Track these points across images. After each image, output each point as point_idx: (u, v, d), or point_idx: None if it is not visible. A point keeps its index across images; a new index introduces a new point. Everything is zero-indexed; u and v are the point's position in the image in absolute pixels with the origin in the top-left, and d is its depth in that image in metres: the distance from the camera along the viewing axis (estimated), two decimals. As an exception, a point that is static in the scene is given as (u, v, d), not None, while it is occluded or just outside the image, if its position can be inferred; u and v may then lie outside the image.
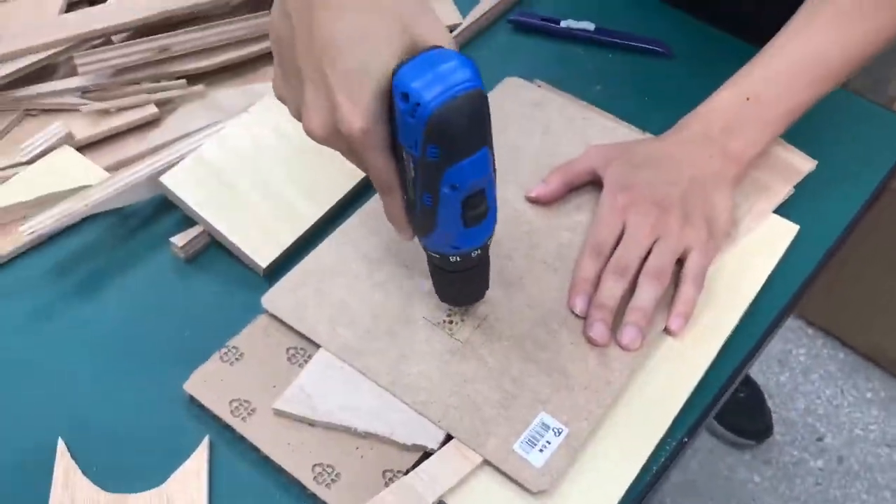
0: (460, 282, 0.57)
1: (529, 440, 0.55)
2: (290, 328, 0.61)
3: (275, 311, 0.62)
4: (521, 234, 0.66)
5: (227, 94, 0.77)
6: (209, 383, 0.59)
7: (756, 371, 1.49)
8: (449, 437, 0.56)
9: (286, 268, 0.66)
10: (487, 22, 0.85)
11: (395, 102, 0.46)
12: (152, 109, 0.74)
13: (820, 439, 1.44)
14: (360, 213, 0.68)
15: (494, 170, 0.50)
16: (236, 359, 0.60)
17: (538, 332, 0.60)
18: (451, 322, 0.61)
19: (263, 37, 0.79)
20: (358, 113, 0.47)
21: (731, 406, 1.32)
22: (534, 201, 0.67)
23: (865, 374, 1.50)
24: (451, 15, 0.83)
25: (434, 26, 0.48)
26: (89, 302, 0.65)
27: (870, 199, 0.72)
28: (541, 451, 0.55)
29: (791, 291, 0.66)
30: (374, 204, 0.68)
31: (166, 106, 0.75)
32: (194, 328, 0.63)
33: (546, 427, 0.56)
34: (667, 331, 0.61)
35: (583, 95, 0.78)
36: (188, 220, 0.67)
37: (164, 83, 0.75)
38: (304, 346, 0.61)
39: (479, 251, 0.54)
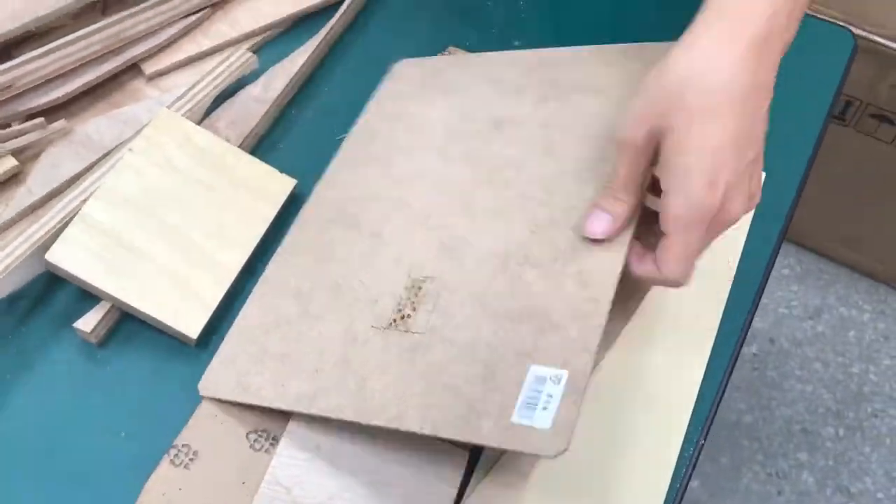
0: None
1: (527, 404, 0.47)
2: (244, 407, 0.53)
3: (217, 395, 0.53)
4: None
5: (95, 124, 0.65)
6: (167, 496, 0.50)
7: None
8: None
9: (219, 329, 0.57)
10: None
11: None
12: (11, 162, 0.61)
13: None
14: (280, 253, 0.59)
15: None
16: (190, 459, 0.51)
17: (499, 284, 0.52)
18: (402, 318, 0.53)
19: (124, 48, 0.66)
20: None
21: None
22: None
23: (780, 252, 1.52)
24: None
25: None
26: (-8, 419, 0.54)
27: (824, 125, 0.68)
28: (544, 408, 0.46)
29: (770, 246, 0.62)
30: (294, 237, 0.60)
31: (25, 154, 0.63)
32: (129, 426, 0.54)
33: (541, 380, 0.47)
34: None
35: (501, 56, 0.70)
36: (87, 293, 0.57)
37: (16, 127, 0.62)
38: (266, 426, 0.52)
39: None
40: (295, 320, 0.55)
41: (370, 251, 0.57)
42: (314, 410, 0.51)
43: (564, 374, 0.47)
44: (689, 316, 0.57)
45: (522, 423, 0.45)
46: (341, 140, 0.65)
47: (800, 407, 1.38)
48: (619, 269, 0.50)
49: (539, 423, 0.45)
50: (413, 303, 0.53)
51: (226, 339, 0.56)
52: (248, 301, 0.57)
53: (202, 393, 0.54)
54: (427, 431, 0.47)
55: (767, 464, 1.33)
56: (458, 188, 0.58)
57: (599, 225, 0.50)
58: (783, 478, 1.32)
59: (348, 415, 0.50)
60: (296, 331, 0.54)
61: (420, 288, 0.54)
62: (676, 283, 0.48)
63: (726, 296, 0.59)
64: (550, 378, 0.47)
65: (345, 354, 0.52)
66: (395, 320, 0.53)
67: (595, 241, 0.50)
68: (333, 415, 0.50)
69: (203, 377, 0.54)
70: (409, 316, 0.53)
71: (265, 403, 0.52)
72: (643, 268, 0.49)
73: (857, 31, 1.17)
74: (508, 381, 0.48)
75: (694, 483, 1.31)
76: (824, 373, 1.42)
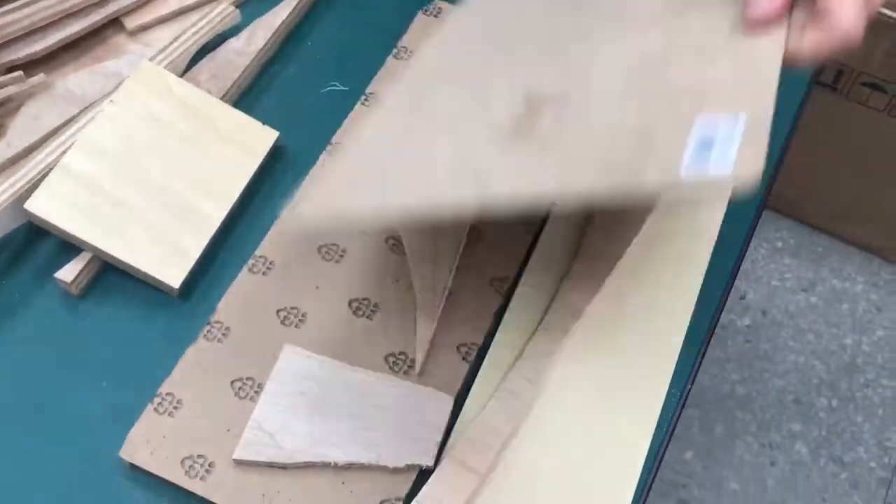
0: None
1: (702, 145, 0.38)
2: (230, 357, 0.52)
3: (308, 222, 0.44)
4: None
5: (75, 78, 0.64)
6: (151, 443, 0.49)
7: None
8: (441, 453, 0.49)
9: (199, 281, 0.56)
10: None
11: None
12: (-11, 116, 0.60)
13: (742, 297, 1.46)
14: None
15: None
16: (174, 407, 0.51)
17: (640, 84, 0.43)
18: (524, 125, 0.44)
19: (105, 2, 0.65)
20: None
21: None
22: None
23: (774, 226, 1.51)
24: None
25: None
26: (-28, 371, 0.53)
27: (808, 89, 0.67)
28: (722, 151, 0.38)
29: (753, 210, 0.62)
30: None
31: (4, 107, 0.62)
32: (112, 376, 0.53)
33: (713, 126, 0.39)
34: None
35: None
36: (68, 244, 0.56)
37: (-6, 80, 0.61)
38: (252, 374, 0.52)
39: None
40: (401, 134, 0.46)
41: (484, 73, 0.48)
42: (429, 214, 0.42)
43: (742, 115, 0.39)
44: (667, 282, 0.56)
45: (697, 169, 0.38)
46: (325, 93, 0.64)
47: (793, 378, 1.38)
48: (781, 50, 0.43)
49: (717, 166, 0.38)
50: (535, 112, 0.44)
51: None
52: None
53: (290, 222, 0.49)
54: (586, 195, 0.40)
55: (761, 435, 1.33)
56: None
57: (762, 4, 0.43)
58: (776, 448, 1.32)
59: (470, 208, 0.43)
60: (399, 143, 0.46)
61: (541, 105, 0.44)
62: (854, 38, 0.43)
63: (707, 262, 0.58)
64: (723, 123, 0.39)
65: (461, 163, 0.43)
66: (516, 128, 0.44)
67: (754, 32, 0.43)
68: (452, 213, 0.42)
69: (288, 209, 0.44)
70: (531, 125, 0.44)
71: (368, 217, 0.46)
72: (810, 37, 0.43)
73: None
74: (670, 134, 0.40)
75: (688, 454, 1.31)
76: (817, 344, 1.42)
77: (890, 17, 1.16)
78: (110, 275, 0.56)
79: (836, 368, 1.39)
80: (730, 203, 0.60)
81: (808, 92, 0.68)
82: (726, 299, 0.60)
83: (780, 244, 1.52)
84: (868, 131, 1.31)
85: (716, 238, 0.58)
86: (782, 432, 1.33)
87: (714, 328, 0.58)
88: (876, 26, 1.16)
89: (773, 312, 1.45)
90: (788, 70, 0.66)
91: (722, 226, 0.59)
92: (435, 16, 0.68)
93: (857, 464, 1.31)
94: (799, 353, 1.41)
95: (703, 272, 0.57)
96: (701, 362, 0.57)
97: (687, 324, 0.55)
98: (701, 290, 0.56)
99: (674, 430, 0.54)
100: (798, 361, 1.40)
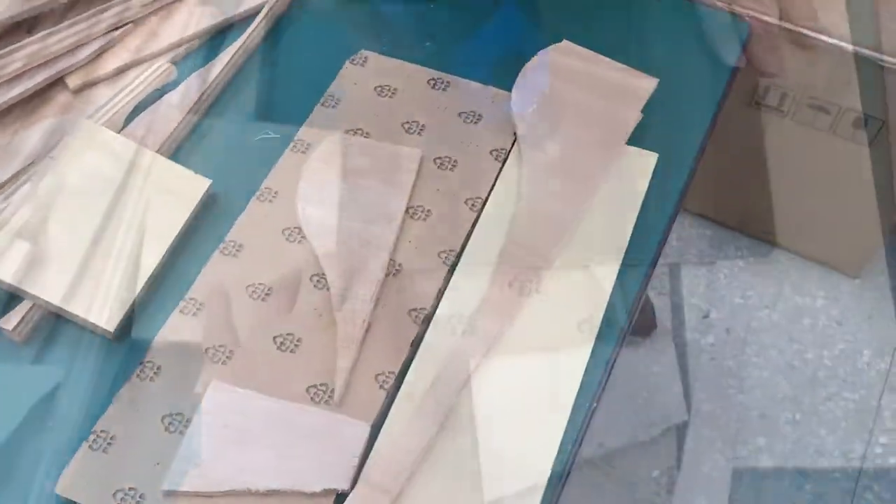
0: None
1: None
2: (161, 394, 0.56)
3: None
4: None
5: (22, 136, 0.68)
6: (85, 479, 0.53)
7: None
8: (359, 474, 0.52)
9: (134, 323, 0.60)
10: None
11: None
12: (-62, 176, 0.64)
13: (706, 316, 1.49)
14: None
15: None
16: (108, 443, 0.54)
17: None
18: None
19: (48, 63, 0.70)
20: None
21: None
22: None
23: (734, 244, 1.55)
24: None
25: None
26: (-79, 417, 0.57)
27: (718, 108, 0.71)
28: None
29: (664, 222, 0.65)
30: None
31: (-47, 167, 0.66)
32: (54, 417, 0.56)
33: None
34: None
35: (413, 56, 0.73)
36: (9, 294, 0.59)
37: (-57, 142, 0.65)
38: (182, 409, 0.55)
39: None
40: None
41: None
42: None
43: None
44: (576, 303, 0.60)
45: None
46: (258, 140, 0.68)
47: (757, 394, 1.41)
48: None
49: None
50: None
51: None
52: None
53: None
54: None
55: (727, 450, 1.36)
56: None
57: None
58: (743, 463, 1.34)
59: None
60: None
61: None
62: None
63: (613, 280, 0.61)
64: None
65: None
66: None
67: None
68: None
69: None
70: None
71: None
72: None
73: (787, 26, 1.21)
74: None
75: (655, 473, 1.33)
76: (780, 360, 1.44)
77: (829, 42, 1.21)
78: (50, 320, 0.60)
79: (799, 383, 1.42)
80: (640, 217, 0.63)
81: (720, 108, 0.71)
82: (636, 312, 0.63)
83: (741, 263, 1.55)
84: (815, 151, 1.35)
85: (621, 260, 0.62)
86: (748, 447, 1.36)
87: (625, 339, 0.61)
88: (817, 50, 1.21)
89: (737, 330, 1.49)
90: (700, 86, 0.71)
91: (631, 241, 0.63)
92: (361, 65, 0.72)
93: (821, 476, 1.33)
94: (762, 369, 1.44)
95: (610, 291, 0.61)
96: (611, 371, 0.60)
97: (592, 342, 0.59)
98: (609, 304, 0.60)
99: (587, 426, 0.56)
100: (762, 377, 1.43)
